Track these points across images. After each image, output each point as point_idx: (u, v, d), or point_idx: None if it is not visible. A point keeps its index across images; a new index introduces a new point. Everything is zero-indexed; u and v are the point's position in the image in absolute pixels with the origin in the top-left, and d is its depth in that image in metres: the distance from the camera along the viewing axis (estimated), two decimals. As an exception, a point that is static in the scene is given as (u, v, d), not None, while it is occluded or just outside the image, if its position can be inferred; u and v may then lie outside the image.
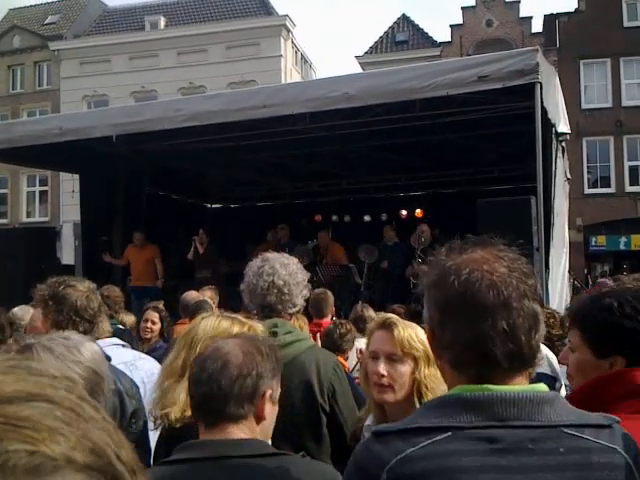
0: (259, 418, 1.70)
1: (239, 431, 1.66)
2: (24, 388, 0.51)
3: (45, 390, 0.52)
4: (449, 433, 1.22)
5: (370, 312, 5.55)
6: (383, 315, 2.44)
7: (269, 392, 1.71)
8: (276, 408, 1.78)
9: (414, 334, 2.22)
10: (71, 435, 0.50)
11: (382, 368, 2.20)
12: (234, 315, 2.35)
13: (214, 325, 2.26)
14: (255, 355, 1.71)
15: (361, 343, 4.99)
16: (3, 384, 0.51)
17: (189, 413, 1.97)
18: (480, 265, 1.29)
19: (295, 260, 2.87)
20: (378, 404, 2.28)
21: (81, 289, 2.81)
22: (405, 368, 2.20)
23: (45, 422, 0.49)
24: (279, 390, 1.78)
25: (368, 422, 2.32)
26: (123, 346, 3.23)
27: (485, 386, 1.25)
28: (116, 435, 0.54)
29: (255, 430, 1.69)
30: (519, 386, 1.27)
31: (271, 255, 2.86)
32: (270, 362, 1.74)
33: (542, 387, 1.30)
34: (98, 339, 2.63)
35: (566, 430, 1.22)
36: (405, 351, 2.21)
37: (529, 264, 1.35)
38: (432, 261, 1.38)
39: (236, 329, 2.20)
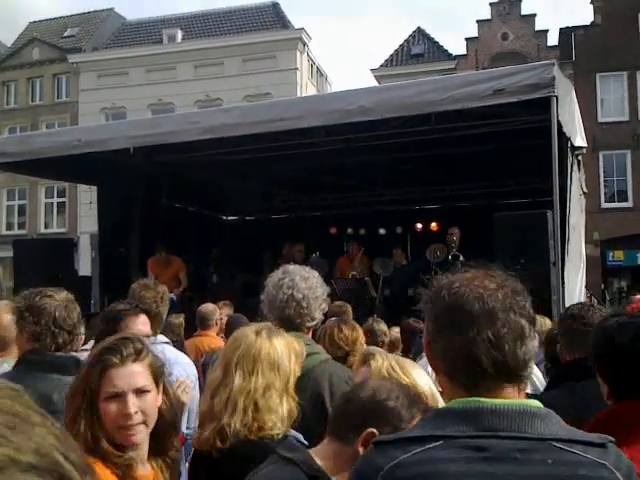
0: None
1: (330, 450, 1.77)
2: None
3: None
4: (441, 441, 1.28)
5: (381, 326, 5.49)
6: (366, 349, 2.48)
7: None
8: None
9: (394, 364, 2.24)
10: (14, 438, 0.52)
11: None
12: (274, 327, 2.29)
13: (278, 347, 2.19)
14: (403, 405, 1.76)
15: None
16: None
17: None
18: (471, 281, 1.39)
19: (316, 274, 2.86)
20: None
21: (59, 299, 2.71)
22: None
23: None
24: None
25: None
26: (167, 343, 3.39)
27: (476, 399, 1.31)
28: (64, 438, 0.57)
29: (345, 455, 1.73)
30: (509, 399, 1.32)
31: (292, 267, 2.85)
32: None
33: (534, 403, 1.35)
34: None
35: (555, 444, 1.26)
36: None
37: (520, 284, 1.42)
38: (432, 282, 1.49)
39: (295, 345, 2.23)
